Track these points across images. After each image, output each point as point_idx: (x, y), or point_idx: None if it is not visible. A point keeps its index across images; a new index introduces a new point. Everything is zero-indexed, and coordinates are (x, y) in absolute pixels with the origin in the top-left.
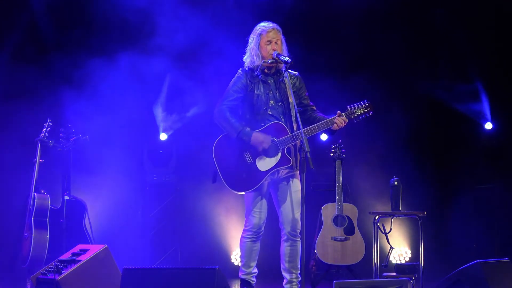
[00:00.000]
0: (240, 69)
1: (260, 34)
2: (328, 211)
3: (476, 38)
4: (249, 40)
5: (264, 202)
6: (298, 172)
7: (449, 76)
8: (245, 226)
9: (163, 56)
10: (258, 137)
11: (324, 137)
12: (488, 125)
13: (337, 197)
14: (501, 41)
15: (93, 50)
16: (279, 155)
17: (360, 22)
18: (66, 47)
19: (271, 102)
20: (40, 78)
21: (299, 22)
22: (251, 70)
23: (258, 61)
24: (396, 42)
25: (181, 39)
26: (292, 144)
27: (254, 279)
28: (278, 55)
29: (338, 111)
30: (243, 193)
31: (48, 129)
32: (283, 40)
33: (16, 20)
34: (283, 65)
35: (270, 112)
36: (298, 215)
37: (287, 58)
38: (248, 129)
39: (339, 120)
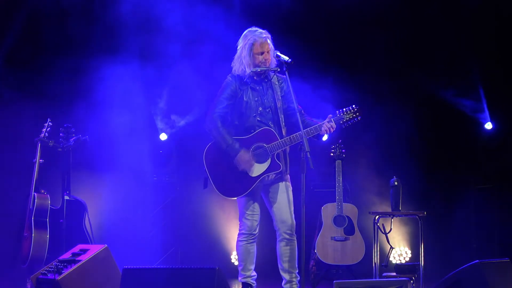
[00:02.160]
0: (229, 75)
1: (252, 44)
2: (328, 211)
3: (476, 37)
4: (238, 47)
5: (256, 205)
6: (288, 175)
7: (449, 75)
8: (240, 230)
9: (164, 55)
10: (243, 158)
11: (324, 136)
12: (488, 125)
13: (337, 197)
14: (501, 40)
15: (94, 50)
16: (269, 161)
17: (359, 22)
18: (66, 47)
19: (260, 108)
20: (40, 77)
21: (297, 21)
22: (240, 76)
23: (248, 70)
24: (397, 42)
25: (182, 39)
26: (281, 150)
27: (254, 282)
28: (278, 55)
29: (330, 115)
30: (234, 198)
31: (48, 129)
32: (272, 47)
33: (16, 19)
34: (271, 71)
35: (259, 119)
36: (291, 214)
37: (287, 58)
38: (237, 145)
39: (327, 126)
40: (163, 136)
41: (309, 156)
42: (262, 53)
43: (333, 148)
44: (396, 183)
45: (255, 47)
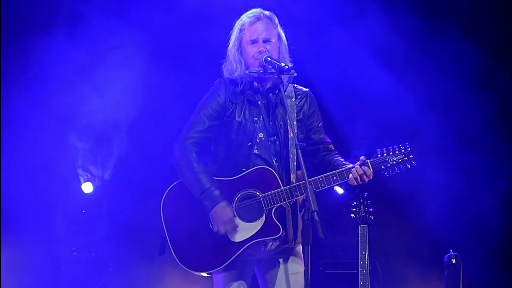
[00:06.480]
0: (218, 79)
1: (241, 30)
2: None
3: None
4: (230, 40)
5: (243, 286)
6: (299, 246)
7: None
8: None
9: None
10: (221, 215)
11: (340, 189)
12: None
13: (360, 284)
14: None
15: None
16: (263, 219)
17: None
18: None
19: (260, 135)
20: None
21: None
22: (233, 82)
23: (240, 71)
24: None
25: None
26: (287, 203)
27: None
28: (269, 61)
29: (362, 157)
30: (206, 274)
31: None
32: (280, 36)
33: None
34: (283, 76)
35: (256, 151)
36: None
37: (283, 64)
38: (217, 192)
39: (358, 172)
40: (87, 187)
41: (317, 218)
42: (255, 42)
43: (355, 206)
44: (453, 261)
45: (244, 35)
